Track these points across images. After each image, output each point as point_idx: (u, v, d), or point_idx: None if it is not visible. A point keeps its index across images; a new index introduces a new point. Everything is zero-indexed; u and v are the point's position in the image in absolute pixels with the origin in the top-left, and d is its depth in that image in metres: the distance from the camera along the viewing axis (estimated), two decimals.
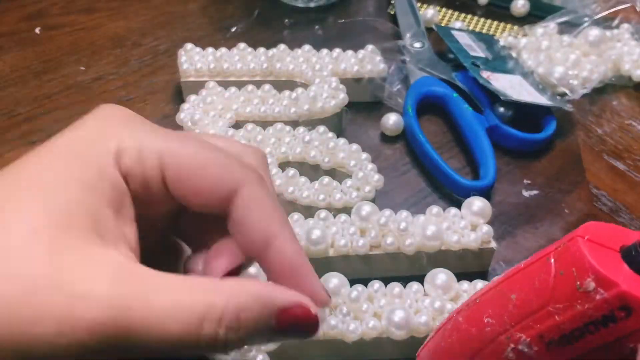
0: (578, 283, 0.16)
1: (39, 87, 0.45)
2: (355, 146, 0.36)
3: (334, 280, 0.28)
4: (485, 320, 0.18)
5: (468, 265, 0.32)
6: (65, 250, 0.17)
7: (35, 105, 0.44)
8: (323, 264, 0.31)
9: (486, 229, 0.31)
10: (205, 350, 0.18)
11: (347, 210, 0.33)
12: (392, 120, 0.41)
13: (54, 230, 0.17)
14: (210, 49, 0.44)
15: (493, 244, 0.32)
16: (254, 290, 0.18)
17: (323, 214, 0.32)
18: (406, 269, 0.31)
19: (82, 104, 0.44)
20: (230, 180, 0.20)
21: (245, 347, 0.20)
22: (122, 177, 0.19)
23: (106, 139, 0.19)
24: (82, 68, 0.47)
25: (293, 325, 0.19)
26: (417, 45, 0.47)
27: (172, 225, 0.23)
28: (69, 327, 0.16)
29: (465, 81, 0.43)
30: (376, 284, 0.29)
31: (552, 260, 0.17)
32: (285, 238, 0.20)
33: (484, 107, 0.42)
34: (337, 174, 0.36)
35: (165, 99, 0.44)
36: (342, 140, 0.37)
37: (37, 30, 0.51)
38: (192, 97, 0.39)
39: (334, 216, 0.32)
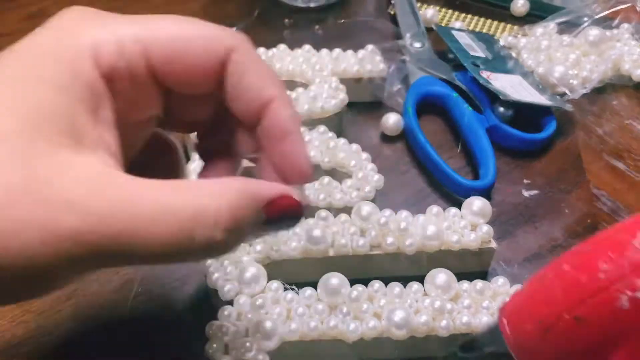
0: None
1: None
2: (355, 146, 0.36)
3: (334, 280, 0.28)
4: (601, 267, 0.17)
5: (468, 265, 0.32)
6: (39, 156, 0.16)
7: None
8: (323, 264, 0.31)
9: (486, 228, 0.31)
10: (200, 255, 0.17)
11: (347, 210, 0.33)
12: (392, 120, 0.41)
13: (25, 135, 0.16)
14: None
15: (493, 244, 0.32)
16: (242, 188, 0.18)
17: (323, 213, 0.32)
18: (406, 269, 0.31)
19: None
20: (220, 47, 0.19)
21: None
22: (101, 75, 0.18)
23: (79, 35, 0.18)
24: None
25: (281, 215, 0.19)
26: (417, 45, 0.47)
27: (164, 122, 0.22)
28: (53, 236, 0.15)
29: (465, 81, 0.43)
30: (376, 284, 0.29)
31: None
32: (282, 101, 0.20)
33: (483, 107, 0.42)
34: (337, 174, 0.36)
35: None
36: (342, 140, 0.37)
37: None
38: None
39: (334, 216, 0.32)
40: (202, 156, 0.24)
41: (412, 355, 0.29)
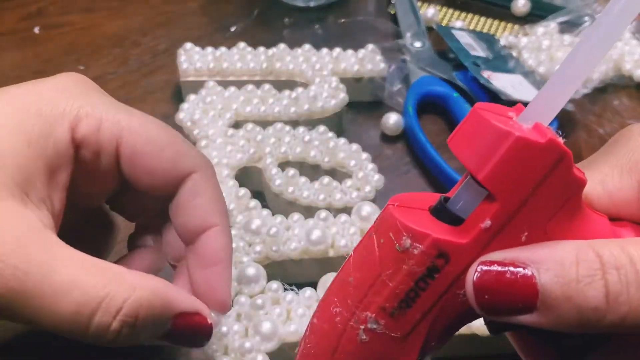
0: (397, 244, 0.16)
1: None
2: (355, 146, 0.36)
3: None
4: (334, 311, 0.18)
5: None
6: None
7: None
8: (323, 265, 0.31)
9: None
10: (91, 338, 0.17)
11: (347, 210, 0.33)
12: (392, 120, 0.41)
13: None
14: (209, 49, 0.43)
15: None
16: (158, 288, 0.18)
17: (323, 214, 0.32)
18: None
19: None
20: (186, 164, 0.20)
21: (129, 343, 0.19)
22: (72, 141, 0.19)
23: (67, 101, 0.19)
24: (81, 67, 0.47)
25: (187, 331, 0.19)
26: (418, 44, 0.47)
27: (112, 200, 0.23)
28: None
29: (465, 81, 0.43)
30: None
31: (373, 234, 0.18)
32: (223, 230, 0.21)
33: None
34: (338, 173, 0.36)
35: (164, 98, 0.44)
36: (342, 140, 0.37)
37: (36, 30, 0.51)
38: (192, 97, 0.39)
39: (334, 216, 0.32)
40: (130, 245, 0.25)
41: None
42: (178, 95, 0.44)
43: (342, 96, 0.40)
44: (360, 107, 0.43)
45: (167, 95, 0.44)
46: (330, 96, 0.40)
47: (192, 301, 0.20)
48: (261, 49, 0.44)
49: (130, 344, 0.19)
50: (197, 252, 0.21)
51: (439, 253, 0.16)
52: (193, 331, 0.20)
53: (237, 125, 0.38)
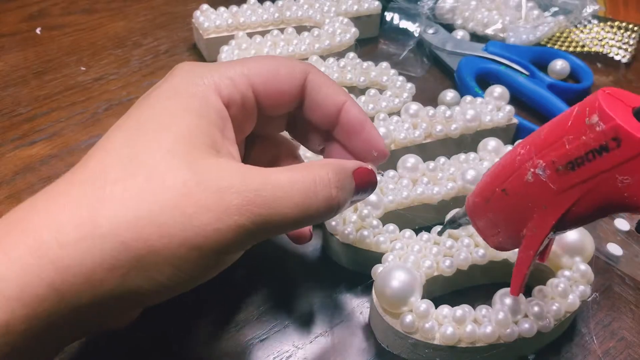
0: (587, 118, 0.20)
1: (40, 87, 0.46)
2: (385, 64, 0.43)
3: (411, 159, 0.34)
4: (518, 151, 0.22)
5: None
6: (195, 161, 0.21)
7: (36, 105, 0.44)
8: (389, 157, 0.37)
9: (509, 108, 0.39)
10: (324, 212, 0.23)
11: (395, 113, 0.39)
12: (449, 96, 0.42)
13: (183, 148, 0.21)
14: (222, 8, 0.48)
15: (515, 120, 0.39)
16: (336, 162, 0.24)
17: (382, 115, 0.38)
18: (454, 150, 0.38)
19: (83, 104, 0.44)
20: (298, 73, 0.25)
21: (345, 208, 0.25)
22: (224, 104, 0.24)
23: (201, 77, 0.24)
24: (83, 68, 0.48)
25: (364, 180, 0.25)
26: (431, 31, 0.51)
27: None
28: (225, 213, 0.20)
29: (499, 51, 0.47)
30: (442, 159, 0.35)
31: (576, 106, 0.21)
32: (352, 102, 0.26)
33: (530, 72, 0.46)
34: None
35: None
36: (370, 62, 0.43)
37: (37, 31, 0.52)
38: (225, 48, 0.44)
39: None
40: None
41: None
42: None
43: (354, 30, 0.46)
44: (361, 42, 0.49)
45: None
46: (343, 32, 0.46)
47: (354, 162, 0.26)
48: (268, 2, 0.49)
49: (346, 207, 0.25)
50: (343, 127, 0.27)
51: (615, 137, 0.19)
52: (367, 179, 0.25)
53: None
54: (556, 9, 0.53)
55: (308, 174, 0.22)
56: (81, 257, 0.19)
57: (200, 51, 0.49)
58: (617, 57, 0.51)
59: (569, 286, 0.28)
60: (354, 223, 0.31)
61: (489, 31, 0.52)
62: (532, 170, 0.21)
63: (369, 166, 0.26)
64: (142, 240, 0.19)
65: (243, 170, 0.22)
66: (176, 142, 0.21)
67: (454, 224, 0.28)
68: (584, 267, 0.29)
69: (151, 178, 0.20)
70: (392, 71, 0.42)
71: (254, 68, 0.25)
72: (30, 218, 0.19)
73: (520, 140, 0.25)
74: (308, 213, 0.22)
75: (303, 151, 0.33)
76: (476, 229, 0.26)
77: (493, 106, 0.39)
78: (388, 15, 0.52)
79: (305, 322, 0.30)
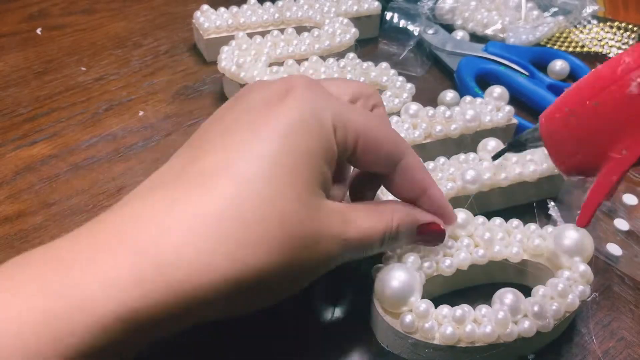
0: None
1: (40, 87, 0.46)
2: (384, 64, 0.43)
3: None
4: (623, 59, 0.20)
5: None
6: (310, 196, 0.23)
7: (37, 106, 0.44)
8: None
9: (508, 108, 0.39)
10: (383, 247, 0.26)
11: (395, 113, 0.39)
12: (448, 97, 0.43)
13: (303, 185, 0.23)
14: (222, 9, 0.48)
15: (514, 121, 0.39)
16: (407, 210, 0.27)
17: None
18: (454, 151, 0.38)
19: (83, 105, 0.44)
20: (398, 152, 0.26)
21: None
22: (337, 147, 0.25)
23: (323, 113, 0.24)
24: (83, 68, 0.48)
25: (427, 235, 0.28)
26: (430, 31, 0.51)
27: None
28: (342, 242, 0.24)
29: (498, 52, 0.47)
30: (441, 159, 0.35)
31: None
32: (435, 189, 0.28)
33: (529, 72, 0.46)
34: None
35: (165, 99, 0.45)
36: (370, 62, 0.43)
37: (38, 31, 0.52)
38: (225, 48, 0.44)
39: None
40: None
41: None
42: (178, 95, 0.45)
43: (354, 31, 0.46)
44: (361, 43, 0.49)
45: (169, 96, 0.45)
46: (343, 32, 0.46)
47: (429, 215, 0.28)
48: (268, 3, 0.49)
49: (395, 247, 0.28)
50: (424, 205, 0.28)
51: None
52: (432, 233, 0.28)
53: (272, 66, 0.43)
54: (556, 9, 0.54)
55: (380, 222, 0.26)
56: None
57: (200, 51, 0.49)
58: None
59: (569, 286, 0.28)
60: None
61: (489, 31, 0.52)
62: (638, 80, 0.19)
63: (442, 224, 0.28)
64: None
65: (342, 210, 0.24)
66: (305, 188, 0.23)
67: (519, 146, 0.26)
68: (583, 267, 0.29)
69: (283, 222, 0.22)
70: (392, 71, 0.42)
71: (369, 128, 0.25)
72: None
73: (624, 50, 0.22)
74: (377, 248, 0.26)
75: None
76: (548, 149, 0.24)
77: (493, 106, 0.39)
78: (388, 16, 0.52)
79: (304, 322, 0.30)
